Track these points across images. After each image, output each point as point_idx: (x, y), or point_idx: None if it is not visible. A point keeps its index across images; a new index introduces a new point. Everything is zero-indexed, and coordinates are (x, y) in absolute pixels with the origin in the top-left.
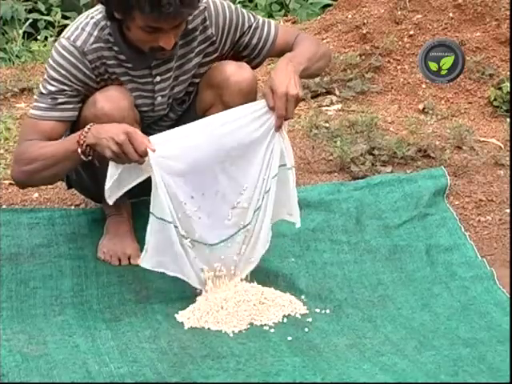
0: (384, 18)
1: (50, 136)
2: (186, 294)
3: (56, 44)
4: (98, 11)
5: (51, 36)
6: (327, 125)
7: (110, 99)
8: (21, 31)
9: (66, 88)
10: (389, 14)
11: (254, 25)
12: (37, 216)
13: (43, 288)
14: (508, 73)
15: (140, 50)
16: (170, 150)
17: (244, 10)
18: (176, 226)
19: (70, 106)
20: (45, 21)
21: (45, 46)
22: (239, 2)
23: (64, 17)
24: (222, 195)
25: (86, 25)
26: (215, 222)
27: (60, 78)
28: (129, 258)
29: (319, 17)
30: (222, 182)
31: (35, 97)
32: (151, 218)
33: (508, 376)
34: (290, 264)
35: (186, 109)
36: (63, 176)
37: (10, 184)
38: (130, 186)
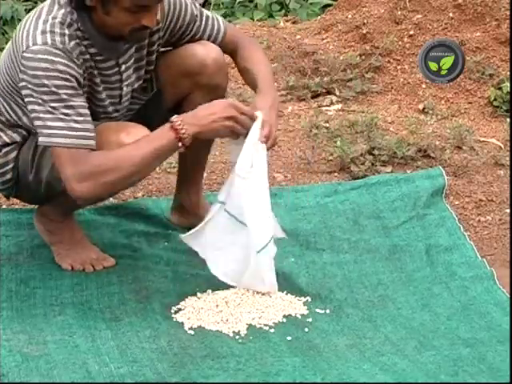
0: (384, 18)
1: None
2: (186, 294)
3: (31, 55)
4: (53, 11)
5: None
6: (327, 125)
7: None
8: None
9: (73, 88)
10: (389, 14)
11: (197, 22)
12: None
13: (43, 288)
14: (508, 73)
15: (112, 38)
16: None
17: (188, 2)
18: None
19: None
20: None
21: None
22: (239, 2)
23: None
24: None
25: (53, 26)
26: None
27: (64, 82)
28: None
29: (319, 17)
30: None
31: (45, 119)
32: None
33: (508, 376)
34: (290, 264)
35: (152, 102)
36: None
37: None
38: None
